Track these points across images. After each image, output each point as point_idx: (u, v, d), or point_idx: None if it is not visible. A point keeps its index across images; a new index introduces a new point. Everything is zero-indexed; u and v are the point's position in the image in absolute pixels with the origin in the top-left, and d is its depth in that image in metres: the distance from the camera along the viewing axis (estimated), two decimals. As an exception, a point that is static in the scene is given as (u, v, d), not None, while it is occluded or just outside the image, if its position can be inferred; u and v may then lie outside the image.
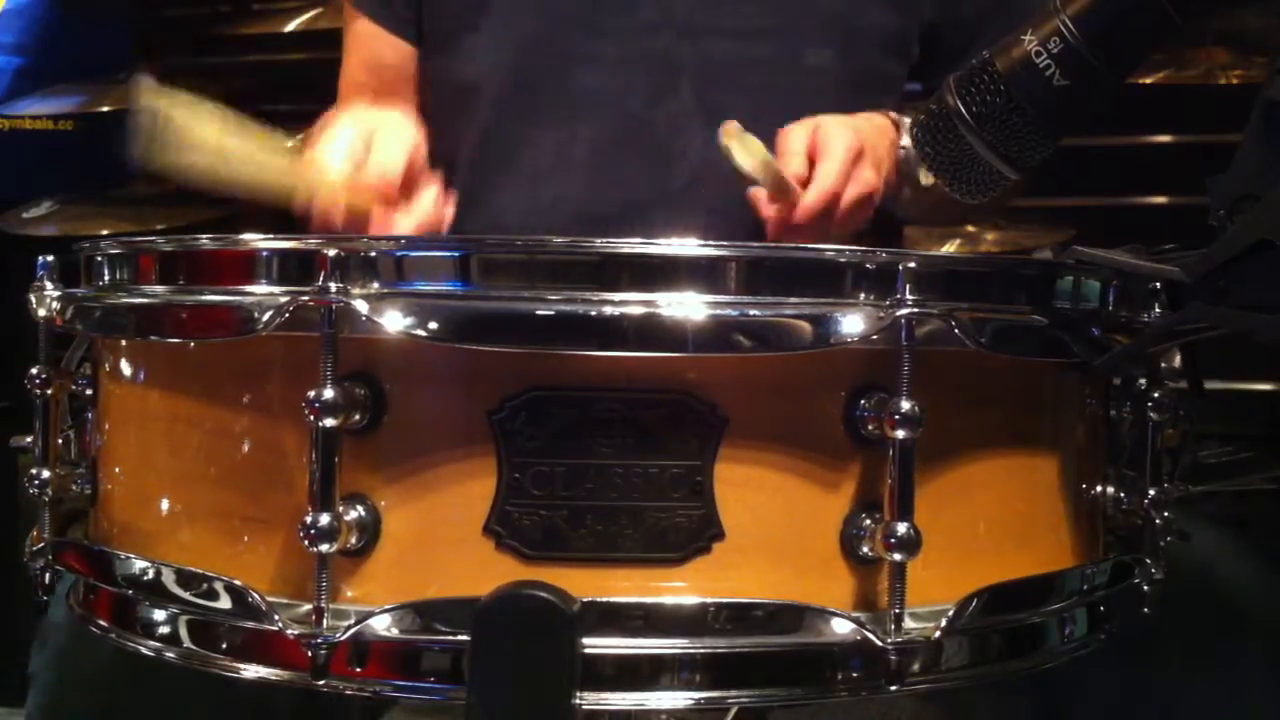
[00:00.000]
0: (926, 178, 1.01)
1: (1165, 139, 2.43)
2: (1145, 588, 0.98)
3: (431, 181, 1.33)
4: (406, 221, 1.28)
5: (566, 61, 1.48)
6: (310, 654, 0.83)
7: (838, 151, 1.28)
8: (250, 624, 0.86)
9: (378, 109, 1.47)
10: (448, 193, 1.35)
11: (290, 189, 1.25)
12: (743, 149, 1.25)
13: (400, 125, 1.38)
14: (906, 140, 1.37)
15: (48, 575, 1.00)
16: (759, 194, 1.28)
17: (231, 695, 1.19)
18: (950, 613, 0.86)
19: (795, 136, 1.30)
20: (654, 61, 1.46)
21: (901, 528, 0.82)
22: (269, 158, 1.21)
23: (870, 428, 0.85)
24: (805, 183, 1.27)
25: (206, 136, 1.15)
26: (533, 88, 1.49)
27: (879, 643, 0.83)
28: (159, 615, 0.92)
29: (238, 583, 0.86)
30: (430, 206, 1.31)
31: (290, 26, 2.57)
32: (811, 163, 1.29)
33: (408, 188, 1.30)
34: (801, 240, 1.27)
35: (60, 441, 1.02)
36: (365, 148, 1.30)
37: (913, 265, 0.84)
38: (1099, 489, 1.00)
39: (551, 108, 1.48)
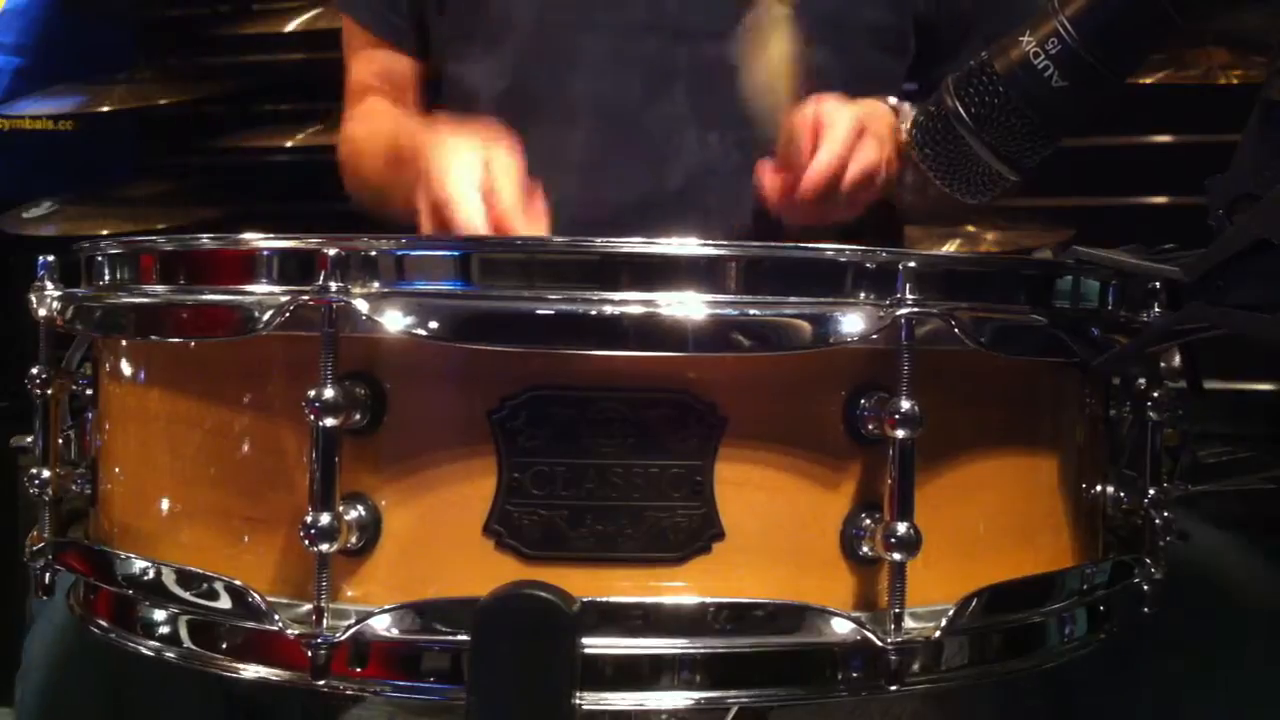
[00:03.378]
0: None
1: (1165, 139, 2.43)
2: (1145, 588, 0.98)
3: (537, 202, 1.29)
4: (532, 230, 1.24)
5: (560, 63, 1.48)
6: (310, 654, 0.83)
7: (841, 127, 1.28)
8: (250, 624, 0.86)
9: (475, 135, 1.42)
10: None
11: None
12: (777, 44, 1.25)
13: (508, 150, 1.33)
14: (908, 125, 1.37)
15: (48, 575, 1.00)
16: (763, 166, 1.28)
17: (231, 696, 1.19)
18: (950, 613, 0.86)
19: (797, 115, 1.30)
20: (647, 63, 1.47)
21: (901, 528, 0.82)
22: None
23: (870, 427, 0.85)
24: (810, 157, 1.27)
25: None
26: (528, 90, 1.49)
27: (879, 643, 0.83)
28: (159, 615, 0.92)
29: (238, 583, 0.86)
30: (539, 217, 1.27)
31: (290, 26, 2.56)
32: (815, 141, 1.29)
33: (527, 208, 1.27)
34: (805, 221, 1.27)
35: (60, 441, 1.02)
36: (486, 168, 1.26)
37: (913, 265, 0.84)
38: (1099, 489, 1.00)
39: (547, 110, 1.48)
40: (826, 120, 1.29)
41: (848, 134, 1.27)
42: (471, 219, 1.22)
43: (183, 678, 1.05)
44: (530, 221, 1.24)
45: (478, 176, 1.25)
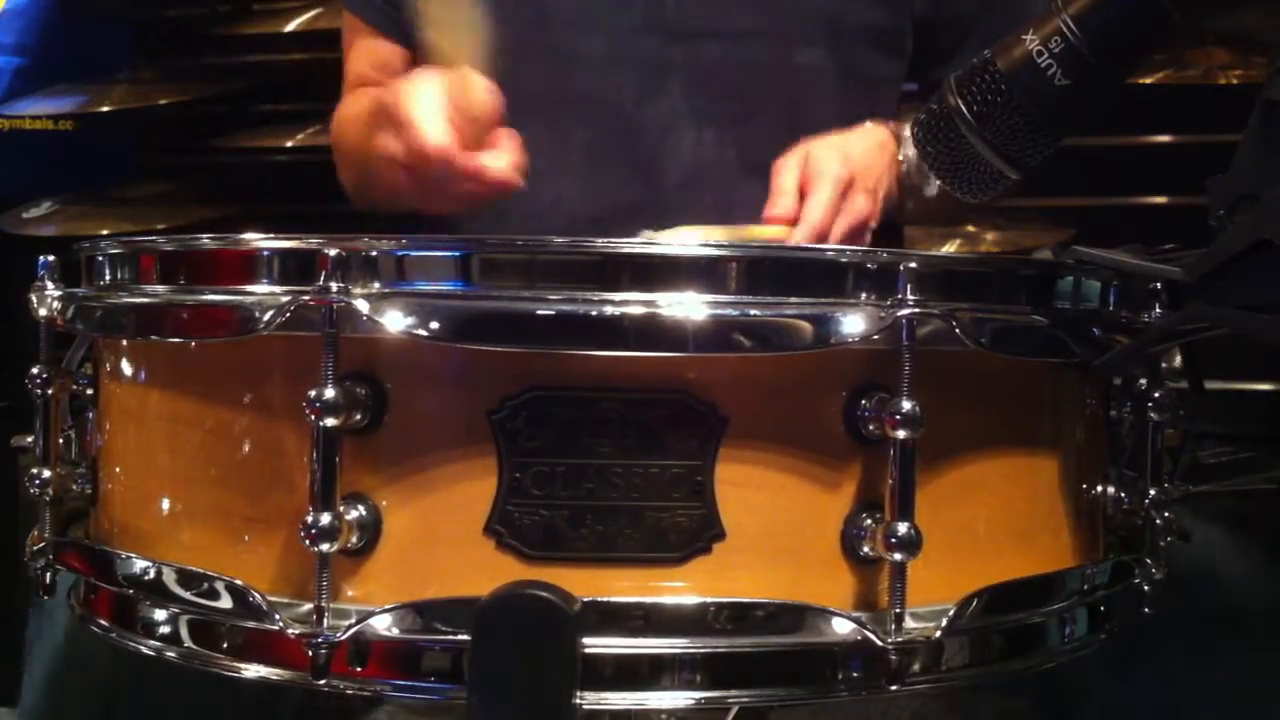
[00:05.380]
0: (932, 189, 1.01)
1: (1165, 139, 2.42)
2: (1145, 588, 0.98)
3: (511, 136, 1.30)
4: (499, 159, 1.24)
5: (557, 62, 1.48)
6: (311, 654, 0.83)
7: (825, 187, 1.27)
8: (251, 624, 0.86)
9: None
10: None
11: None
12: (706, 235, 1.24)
13: (482, 80, 1.34)
14: (909, 151, 1.37)
15: (48, 575, 1.00)
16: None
17: (232, 695, 1.19)
18: (950, 613, 0.86)
19: (786, 174, 1.30)
20: (644, 62, 1.47)
21: (902, 528, 0.82)
22: None
23: (871, 428, 0.85)
24: (796, 220, 1.27)
25: None
26: (524, 89, 1.49)
27: (879, 642, 0.83)
28: (160, 615, 0.92)
29: (238, 582, 0.86)
30: (513, 152, 1.27)
31: (290, 26, 2.56)
32: (804, 197, 1.28)
33: (495, 128, 1.27)
34: None
35: (60, 441, 1.02)
36: (460, 87, 1.26)
37: (913, 265, 0.84)
38: (1099, 489, 1.00)
39: (543, 109, 1.49)
40: (813, 175, 1.28)
41: (832, 195, 1.27)
42: (429, 132, 1.19)
43: (185, 678, 1.05)
44: (499, 144, 1.23)
45: (440, 96, 1.23)
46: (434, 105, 1.22)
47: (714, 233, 1.24)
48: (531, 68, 1.49)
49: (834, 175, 1.27)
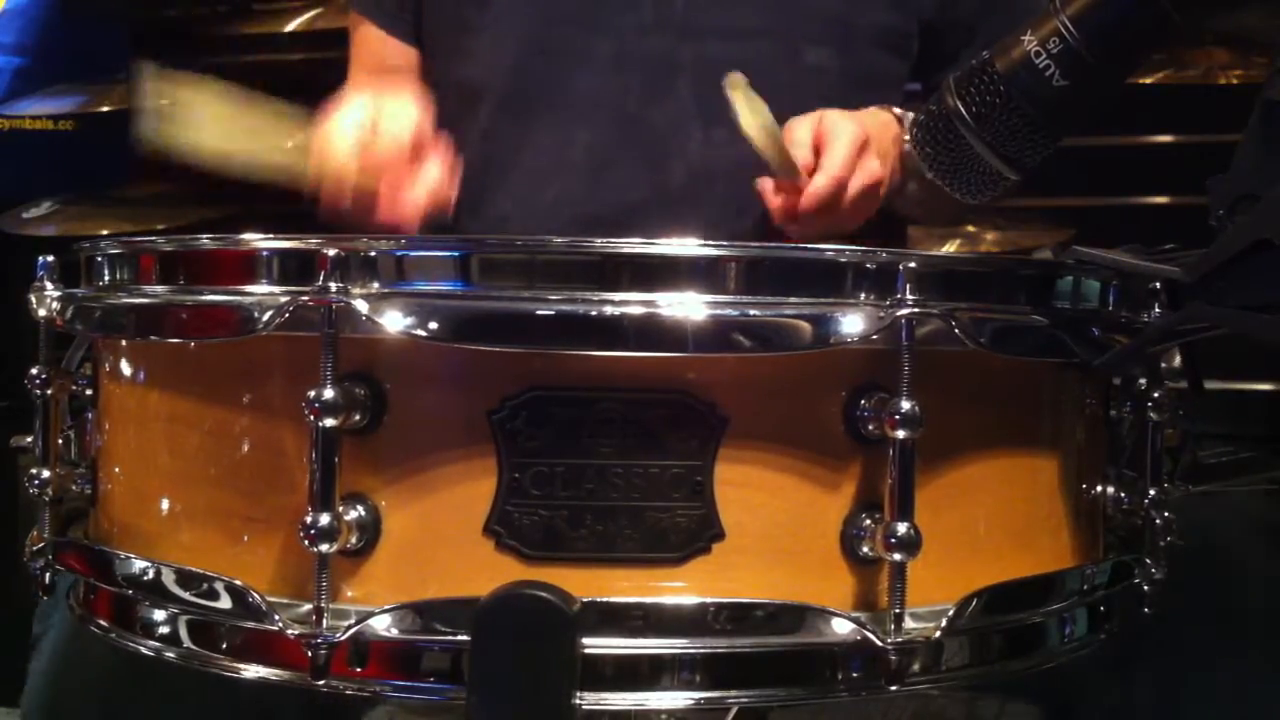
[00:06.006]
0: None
1: (1165, 139, 2.43)
2: (1145, 588, 0.98)
3: (440, 153, 1.34)
4: (415, 192, 1.29)
5: (564, 62, 1.48)
6: (310, 654, 0.83)
7: (844, 140, 1.28)
8: (250, 624, 0.86)
9: (382, 91, 1.47)
10: (455, 163, 1.35)
11: (297, 167, 1.25)
12: (747, 106, 1.23)
13: (405, 102, 1.38)
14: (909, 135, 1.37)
15: (48, 575, 1.00)
16: (765, 183, 1.28)
17: (231, 695, 1.19)
18: (950, 613, 0.86)
19: (801, 127, 1.30)
20: (652, 62, 1.46)
21: (901, 528, 0.82)
22: (276, 135, 1.22)
23: (870, 428, 0.85)
24: (811, 172, 1.27)
25: (213, 114, 1.15)
26: (531, 89, 1.49)
27: (879, 643, 0.83)
28: (159, 615, 0.92)
29: (238, 583, 0.86)
30: (438, 176, 1.31)
31: (290, 26, 2.56)
32: (817, 153, 1.29)
33: (416, 158, 1.31)
34: (806, 232, 1.27)
35: (60, 441, 1.02)
36: (372, 123, 1.31)
37: (913, 265, 0.84)
38: (1099, 489, 1.00)
39: (550, 109, 1.49)
40: (829, 135, 1.29)
41: (850, 149, 1.27)
42: (338, 172, 1.26)
43: (181, 679, 1.05)
44: (409, 180, 1.29)
45: (356, 124, 1.30)
46: (343, 139, 1.30)
47: (759, 106, 1.23)
48: (536, 68, 1.49)
49: (851, 133, 1.28)
